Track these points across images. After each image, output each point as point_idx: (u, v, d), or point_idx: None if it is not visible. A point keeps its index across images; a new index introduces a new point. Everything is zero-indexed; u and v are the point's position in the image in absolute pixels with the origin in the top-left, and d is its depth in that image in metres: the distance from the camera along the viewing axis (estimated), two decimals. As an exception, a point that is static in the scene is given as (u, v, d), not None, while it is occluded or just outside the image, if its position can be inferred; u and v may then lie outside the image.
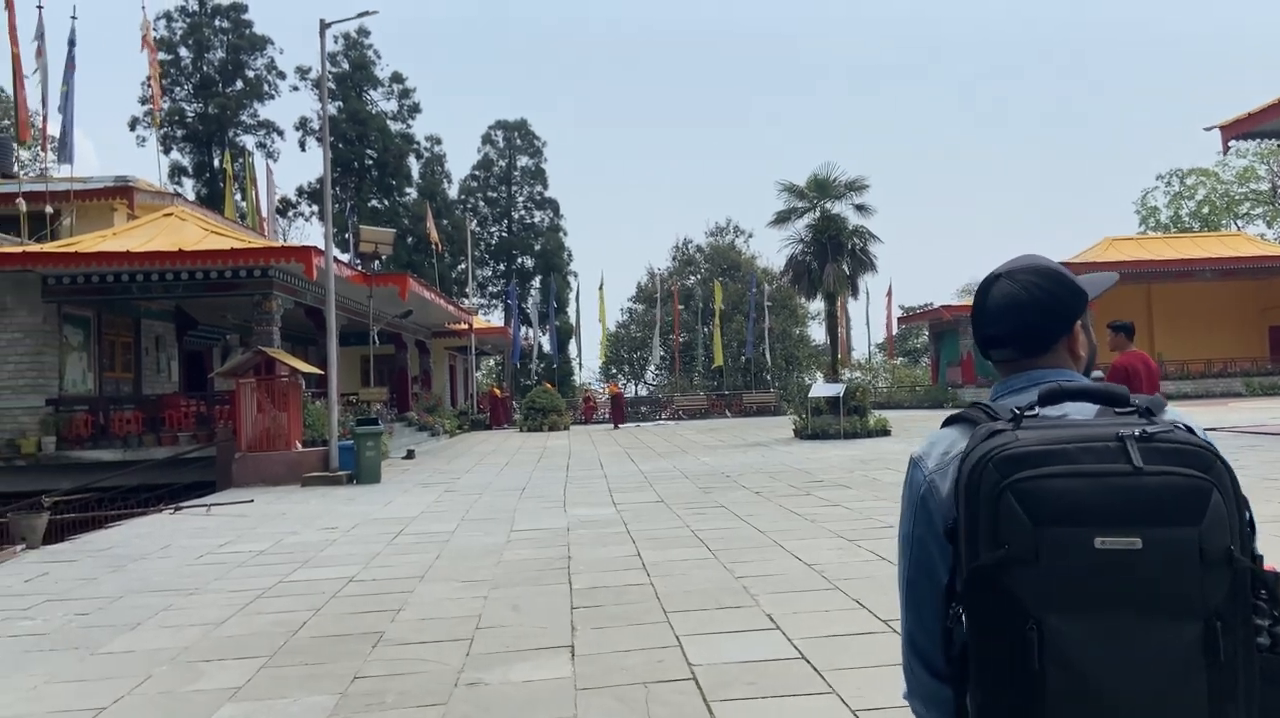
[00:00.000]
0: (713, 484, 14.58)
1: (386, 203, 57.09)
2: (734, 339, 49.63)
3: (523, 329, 49.66)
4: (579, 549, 9.21)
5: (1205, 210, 59.56)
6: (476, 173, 62.34)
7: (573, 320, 53.16)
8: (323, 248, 19.37)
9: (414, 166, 59.50)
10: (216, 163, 51.32)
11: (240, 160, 39.94)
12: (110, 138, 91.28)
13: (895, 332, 53.69)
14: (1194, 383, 36.59)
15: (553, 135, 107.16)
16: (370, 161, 57.16)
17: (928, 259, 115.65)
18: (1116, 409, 1.29)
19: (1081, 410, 1.32)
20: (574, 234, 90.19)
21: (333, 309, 18.99)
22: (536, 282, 60.21)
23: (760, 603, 6.58)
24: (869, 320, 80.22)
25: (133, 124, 52.60)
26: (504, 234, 62.17)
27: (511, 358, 47.03)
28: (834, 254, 24.52)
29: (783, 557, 8.31)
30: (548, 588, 7.48)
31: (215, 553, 10.14)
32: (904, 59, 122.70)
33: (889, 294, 50.17)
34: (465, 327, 37.72)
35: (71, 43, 22.33)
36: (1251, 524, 1.25)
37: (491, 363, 59.10)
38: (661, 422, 39.46)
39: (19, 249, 19.23)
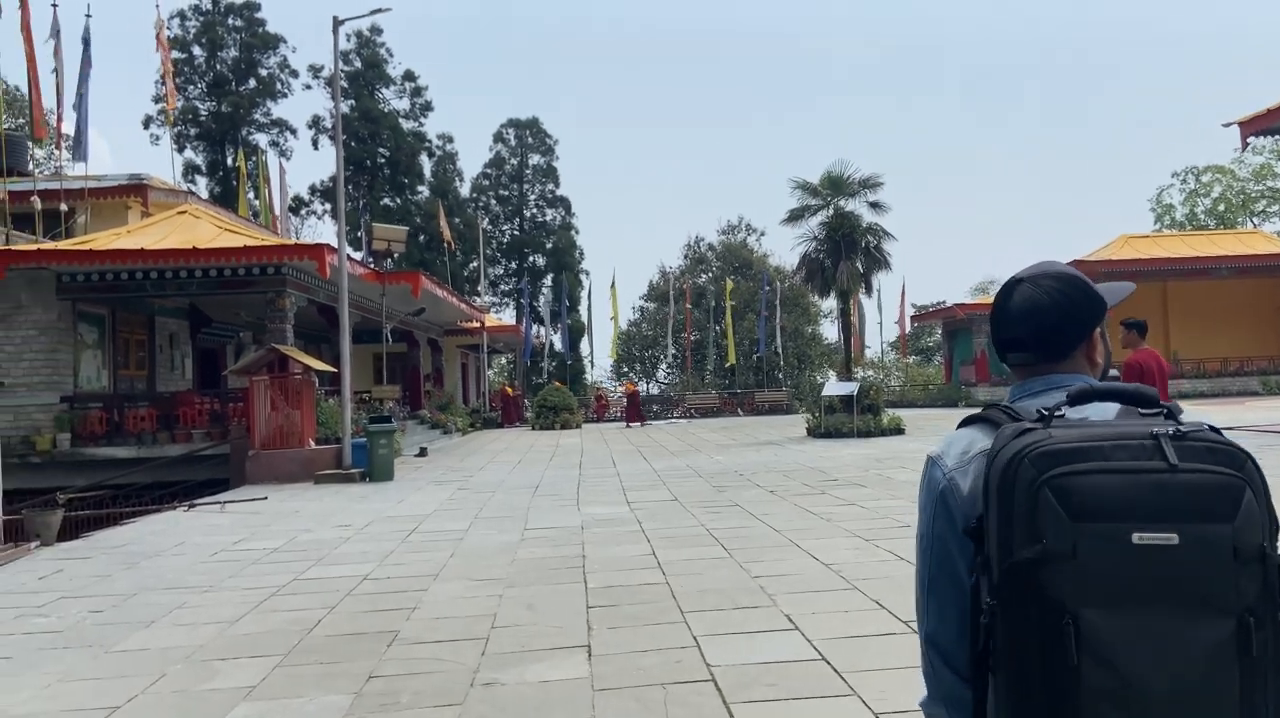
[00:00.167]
0: (726, 483, 14.51)
1: (399, 201, 57.17)
2: (746, 337, 49.49)
3: (534, 327, 49.65)
4: (593, 548, 9.16)
5: (1221, 208, 59.10)
6: (488, 171, 62.38)
7: (584, 319, 53.12)
8: (335, 245, 19.39)
9: (426, 165, 59.59)
10: (230, 161, 51.49)
11: (253, 159, 40.04)
12: (124, 136, 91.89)
13: (908, 330, 53.46)
14: (1210, 382, 36.28)
15: (565, 133, 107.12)
16: (382, 160, 57.26)
17: (940, 257, 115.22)
18: (1141, 410, 1.30)
19: (1102, 411, 1.34)
20: (585, 232, 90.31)
21: (345, 307, 18.99)
22: (548, 280, 60.19)
23: (778, 603, 6.51)
24: (882, 319, 79.91)
25: (147, 123, 52.88)
26: (516, 232, 62.18)
27: (523, 356, 47.02)
28: (848, 252, 24.38)
29: (799, 556, 8.24)
30: (562, 587, 7.42)
31: (229, 550, 10.13)
32: (916, 56, 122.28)
33: (902, 292, 49.99)
34: (477, 325, 37.73)
35: (86, 41, 22.40)
36: (1276, 523, 1.25)
37: (503, 361, 59.10)
38: (673, 420, 39.38)
39: (34, 247, 19.30)
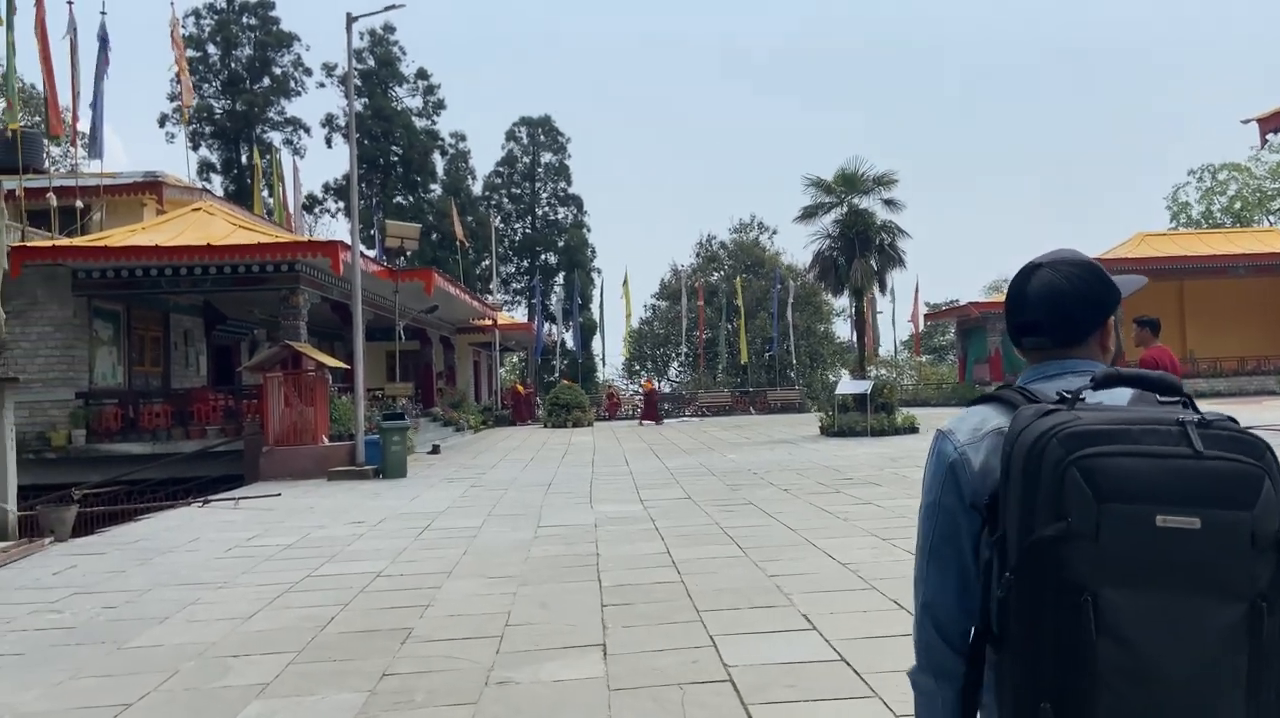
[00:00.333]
0: (740, 481, 14.43)
1: (411, 199, 57.23)
2: (758, 336, 49.34)
3: (546, 325, 49.63)
4: (607, 546, 9.10)
5: (1238, 206, 58.59)
6: (500, 169, 62.36)
7: (596, 317, 53.07)
8: (349, 243, 19.39)
9: (439, 163, 59.61)
10: (244, 159, 51.65)
11: (267, 157, 40.10)
12: (140, 134, 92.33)
13: (921, 329, 53.19)
14: (1227, 381, 35.97)
15: (577, 131, 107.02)
16: (395, 158, 57.32)
17: (953, 256, 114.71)
18: (1160, 398, 1.33)
19: (1116, 397, 1.36)
20: (597, 231, 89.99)
21: (359, 304, 18.99)
22: (560, 278, 60.17)
23: (795, 602, 6.43)
24: (895, 317, 79.54)
25: (162, 121, 53.06)
26: (528, 230, 62.15)
27: (535, 354, 47.00)
28: (862, 250, 24.26)
29: (815, 555, 8.16)
30: (576, 585, 7.37)
31: (243, 547, 10.12)
32: (930, 54, 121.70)
33: (915, 291, 49.76)
34: (489, 323, 37.73)
35: (103, 39, 22.45)
36: None
37: (515, 359, 59.12)
38: (685, 418, 39.28)
39: (49, 243, 19.37)
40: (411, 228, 24.81)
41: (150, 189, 24.82)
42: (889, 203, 24.72)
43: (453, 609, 6.76)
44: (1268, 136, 22.94)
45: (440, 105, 59.19)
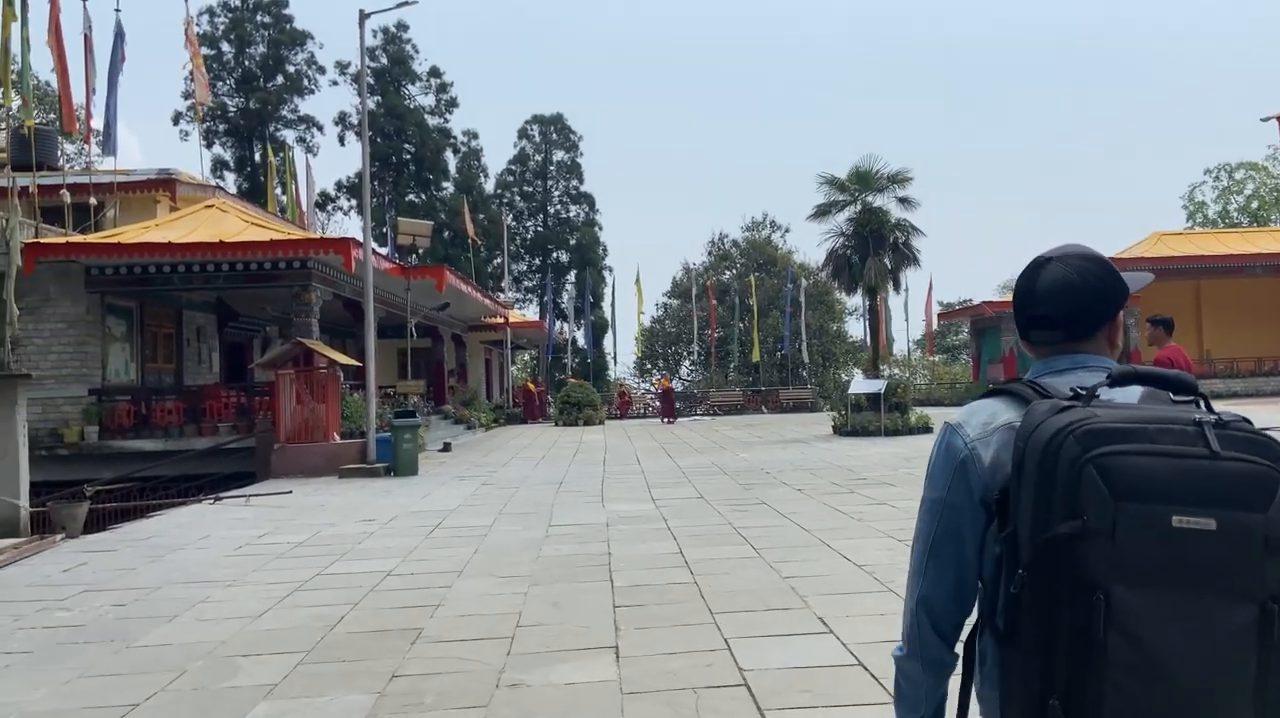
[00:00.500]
0: (753, 481, 14.32)
1: (424, 197, 57.29)
2: (770, 334, 49.20)
3: (558, 324, 49.60)
4: (619, 546, 9.01)
5: (1255, 205, 58.12)
6: (513, 167, 62.38)
7: (608, 315, 53.00)
8: (361, 240, 19.36)
9: (451, 161, 59.66)
10: (257, 157, 51.79)
11: (281, 155, 40.17)
12: (154, 132, 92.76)
13: (935, 328, 52.94)
14: (1244, 381, 35.66)
15: (589, 129, 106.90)
16: (408, 156, 57.38)
17: (967, 255, 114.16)
18: (1174, 397, 1.32)
19: (1127, 394, 1.35)
20: (609, 229, 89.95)
21: (370, 301, 18.97)
22: (571, 276, 60.15)
23: (810, 605, 6.33)
24: (908, 316, 79.16)
25: (176, 119, 53.25)
26: (540, 228, 62.16)
27: (546, 352, 46.96)
28: (875, 248, 24.12)
29: (830, 556, 8.06)
30: (588, 586, 7.29)
31: (253, 544, 10.08)
32: (943, 53, 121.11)
33: (929, 290, 49.53)
34: (501, 320, 37.71)
35: (119, 36, 22.48)
36: None
37: (526, 357, 59.12)
38: (697, 417, 39.19)
39: (63, 240, 19.41)
40: (423, 225, 24.81)
41: (164, 186, 24.87)
42: (903, 201, 24.59)
43: (463, 609, 6.69)
44: (1287, 134, 22.68)
45: (453, 103, 59.28)
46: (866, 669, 4.90)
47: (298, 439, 18.40)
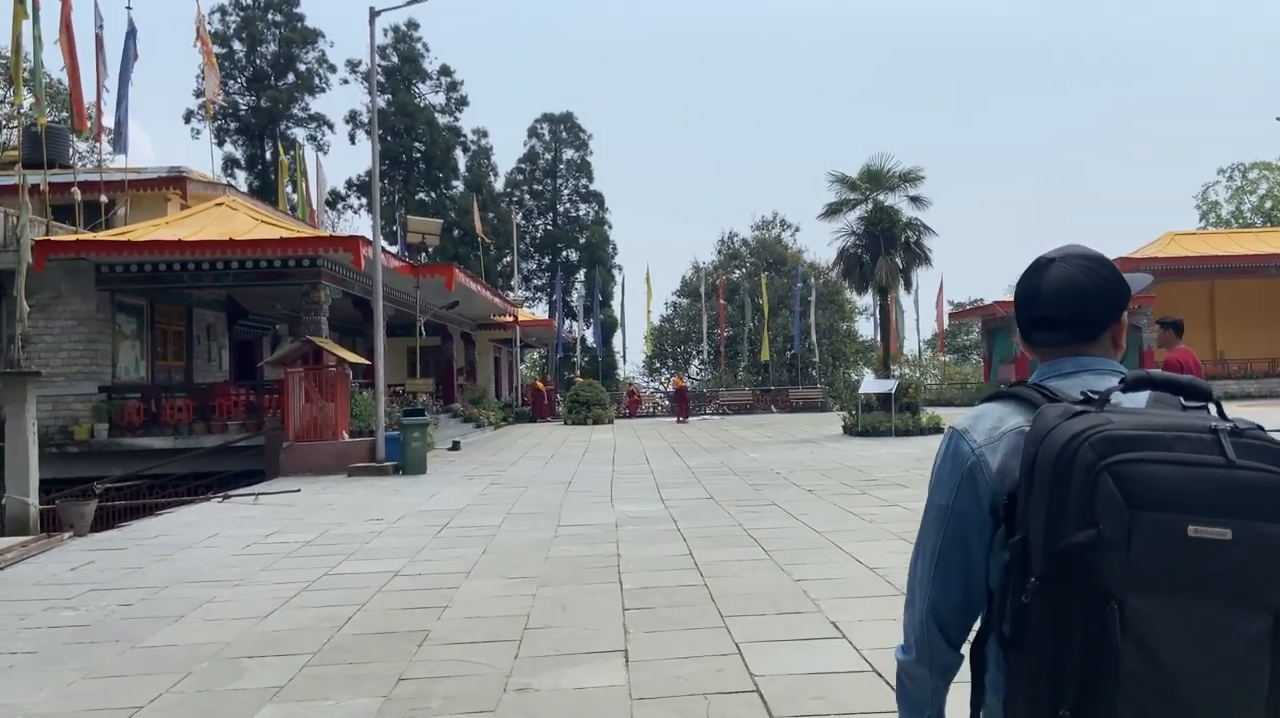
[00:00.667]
0: (763, 481, 14.23)
1: (433, 195, 57.29)
2: (780, 334, 49.04)
3: (567, 322, 49.52)
4: (628, 547, 8.94)
5: (1268, 205, 57.70)
6: (522, 166, 62.32)
7: (617, 314, 52.90)
8: (370, 238, 19.33)
9: (461, 160, 59.62)
10: (268, 155, 51.86)
11: (291, 153, 40.20)
12: (165, 130, 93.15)
13: (946, 327, 52.71)
14: (1258, 383, 35.38)
15: (599, 128, 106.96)
16: (418, 155, 57.37)
17: (978, 255, 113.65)
18: (1185, 403, 1.30)
19: (1134, 399, 1.32)
20: (619, 227, 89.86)
21: (380, 299, 18.94)
22: (581, 275, 60.07)
23: (822, 608, 6.25)
24: (919, 316, 78.89)
25: (187, 117, 53.33)
26: (549, 227, 62.09)
27: (555, 351, 46.89)
28: (886, 247, 23.97)
29: (842, 559, 7.97)
30: (597, 587, 7.21)
31: (261, 543, 10.04)
32: (954, 52, 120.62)
33: (940, 289, 49.26)
34: (510, 319, 37.67)
35: (131, 33, 22.50)
36: None
37: (535, 356, 59.08)
38: (706, 416, 39.09)
39: (73, 237, 19.43)
40: (433, 223, 24.78)
41: (174, 184, 24.90)
42: (914, 199, 24.44)
43: (471, 611, 6.63)
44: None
45: (463, 102, 59.25)
46: (880, 676, 4.81)
47: (307, 437, 18.38)
